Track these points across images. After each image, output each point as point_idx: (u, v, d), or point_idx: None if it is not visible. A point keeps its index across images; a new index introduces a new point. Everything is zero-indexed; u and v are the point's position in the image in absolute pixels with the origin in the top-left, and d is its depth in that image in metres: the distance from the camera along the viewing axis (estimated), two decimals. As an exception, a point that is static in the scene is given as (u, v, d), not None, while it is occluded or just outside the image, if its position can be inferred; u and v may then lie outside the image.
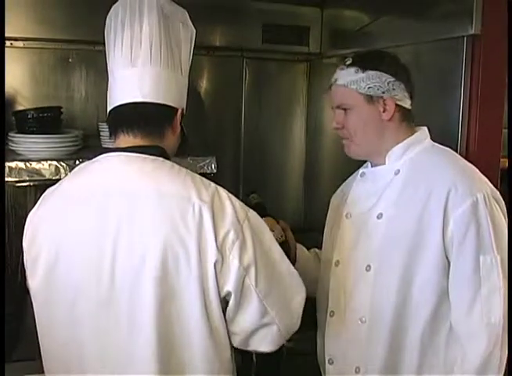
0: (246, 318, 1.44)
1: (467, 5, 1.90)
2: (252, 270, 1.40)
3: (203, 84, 2.94)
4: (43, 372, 1.57)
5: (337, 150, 2.89)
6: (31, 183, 2.08)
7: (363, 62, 1.73)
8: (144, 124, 1.49)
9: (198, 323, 1.38)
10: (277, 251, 1.51)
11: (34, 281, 1.49)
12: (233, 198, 1.45)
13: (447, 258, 1.62)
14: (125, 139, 1.50)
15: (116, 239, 1.38)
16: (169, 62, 1.52)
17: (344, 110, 1.75)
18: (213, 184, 1.46)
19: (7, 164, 2.01)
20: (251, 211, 1.48)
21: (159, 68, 1.50)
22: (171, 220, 1.36)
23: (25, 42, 2.55)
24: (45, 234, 1.47)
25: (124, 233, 1.38)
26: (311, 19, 2.96)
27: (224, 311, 1.42)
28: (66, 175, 1.81)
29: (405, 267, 1.65)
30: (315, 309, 1.91)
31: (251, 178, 3.03)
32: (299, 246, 1.98)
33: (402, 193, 1.70)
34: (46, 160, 2.09)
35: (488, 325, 1.57)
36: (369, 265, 1.71)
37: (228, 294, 1.40)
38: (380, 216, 1.72)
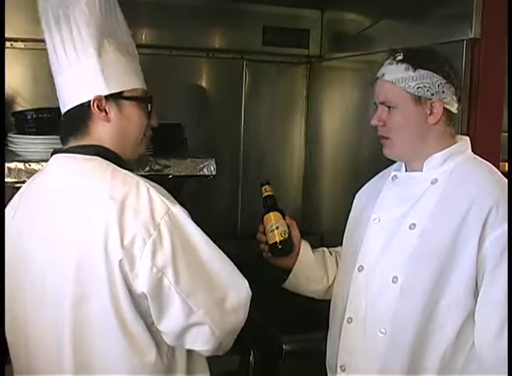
0: (171, 318, 1.40)
1: (467, 8, 1.90)
2: (169, 269, 1.37)
3: (203, 86, 2.94)
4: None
5: (337, 154, 2.90)
6: (30, 184, 2.08)
7: (415, 59, 1.63)
8: (70, 130, 1.55)
9: (110, 323, 1.38)
10: (206, 249, 1.45)
11: None
12: (155, 194, 1.41)
13: (477, 278, 1.56)
14: (67, 144, 1.55)
15: (44, 239, 1.44)
16: (69, 60, 1.53)
17: (388, 107, 1.66)
18: (136, 180, 1.44)
19: (6, 164, 2.01)
20: (176, 206, 1.43)
21: (62, 75, 1.55)
22: (83, 219, 1.40)
23: (25, 43, 2.55)
24: (6, 234, 1.55)
25: (49, 234, 1.44)
26: (312, 22, 2.97)
27: (143, 311, 1.40)
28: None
29: (435, 284, 1.58)
30: (315, 310, 1.91)
31: (250, 180, 3.02)
32: (304, 244, 1.93)
33: (438, 205, 1.61)
34: (45, 161, 2.06)
35: None
36: (396, 277, 1.63)
37: (144, 295, 1.37)
38: (412, 227, 1.64)
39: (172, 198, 1.46)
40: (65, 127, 1.57)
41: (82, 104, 1.51)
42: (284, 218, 1.90)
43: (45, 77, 2.61)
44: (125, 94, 1.54)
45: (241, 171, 3.05)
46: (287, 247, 1.88)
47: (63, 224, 1.43)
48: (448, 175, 1.65)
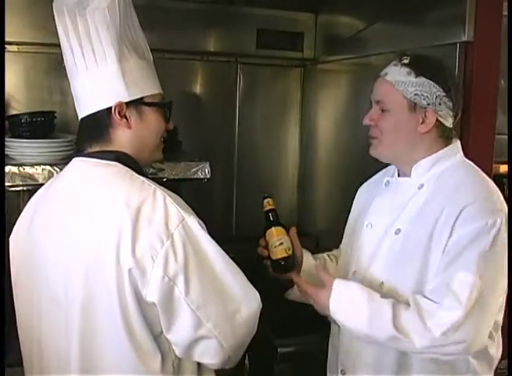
0: (179, 329, 1.39)
1: (460, 12, 1.90)
2: (181, 280, 1.35)
3: (197, 90, 2.95)
4: None
5: (331, 156, 2.91)
6: (24, 188, 2.08)
7: (420, 66, 1.63)
8: (89, 135, 1.54)
9: (117, 329, 1.37)
10: (219, 261, 1.42)
11: (12, 277, 1.58)
12: (170, 203, 1.39)
13: None
14: (86, 149, 1.55)
15: (58, 240, 1.44)
16: (87, 64, 1.50)
17: (382, 110, 1.67)
18: (153, 188, 1.43)
19: (1, 168, 2.01)
20: (191, 217, 1.40)
21: (78, 79, 1.52)
22: (97, 224, 1.39)
23: (19, 46, 2.55)
24: (25, 233, 1.56)
25: (63, 235, 1.44)
26: (306, 25, 2.98)
27: (151, 319, 1.39)
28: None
29: (416, 287, 1.57)
30: (309, 313, 1.91)
31: (245, 183, 3.03)
32: (306, 254, 1.91)
33: (421, 209, 1.62)
34: (39, 164, 2.08)
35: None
36: (382, 282, 1.65)
37: (153, 303, 1.35)
38: (397, 232, 1.66)
39: (188, 208, 1.44)
40: (84, 132, 1.56)
41: (102, 110, 1.50)
42: (288, 233, 1.86)
43: (39, 80, 2.64)
44: (146, 100, 1.54)
45: (235, 174, 3.05)
46: (290, 264, 1.84)
47: (77, 226, 1.42)
48: (435, 180, 1.65)
